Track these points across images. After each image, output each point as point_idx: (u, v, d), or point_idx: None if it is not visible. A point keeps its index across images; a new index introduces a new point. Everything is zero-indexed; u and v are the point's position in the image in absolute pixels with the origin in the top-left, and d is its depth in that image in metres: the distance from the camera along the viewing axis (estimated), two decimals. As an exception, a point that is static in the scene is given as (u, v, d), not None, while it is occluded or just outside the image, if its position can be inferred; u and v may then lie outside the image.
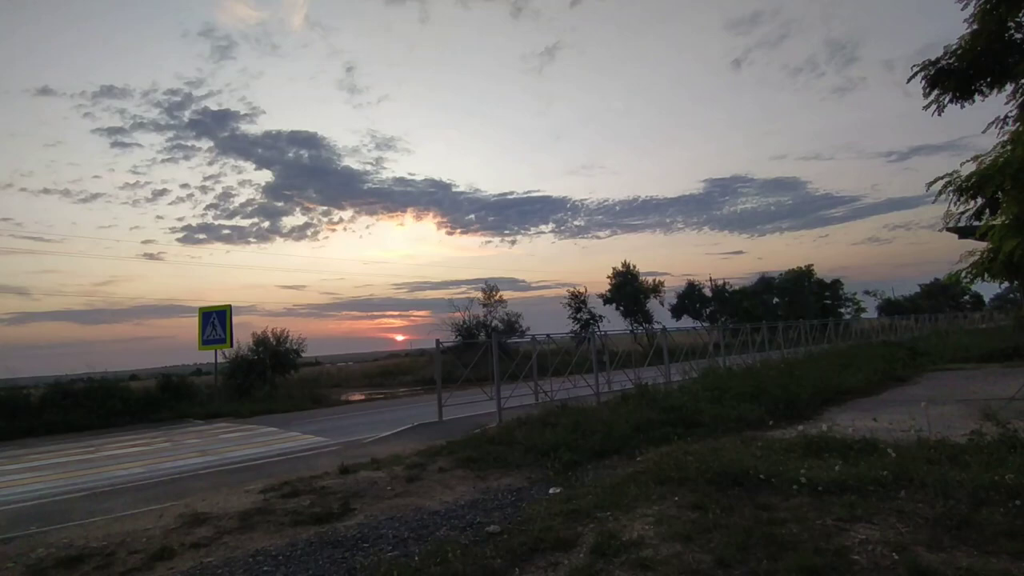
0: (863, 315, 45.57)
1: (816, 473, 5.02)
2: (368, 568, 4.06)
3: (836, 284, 46.30)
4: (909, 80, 6.96)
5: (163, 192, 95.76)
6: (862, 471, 5.01)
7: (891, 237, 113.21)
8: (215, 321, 19.55)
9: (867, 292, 53.78)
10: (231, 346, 20.09)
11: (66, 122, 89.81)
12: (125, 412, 16.91)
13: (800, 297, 42.00)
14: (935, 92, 7.05)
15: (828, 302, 45.04)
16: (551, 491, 5.85)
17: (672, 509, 4.65)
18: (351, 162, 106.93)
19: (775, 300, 43.08)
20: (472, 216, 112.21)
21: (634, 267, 36.62)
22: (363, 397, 21.63)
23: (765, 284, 43.84)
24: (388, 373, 30.41)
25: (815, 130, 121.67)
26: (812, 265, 44.77)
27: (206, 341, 19.67)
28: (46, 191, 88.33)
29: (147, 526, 5.48)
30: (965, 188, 5.62)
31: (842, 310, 45.74)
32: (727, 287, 41.83)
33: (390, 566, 3.92)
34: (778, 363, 15.09)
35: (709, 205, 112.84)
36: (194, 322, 20.09)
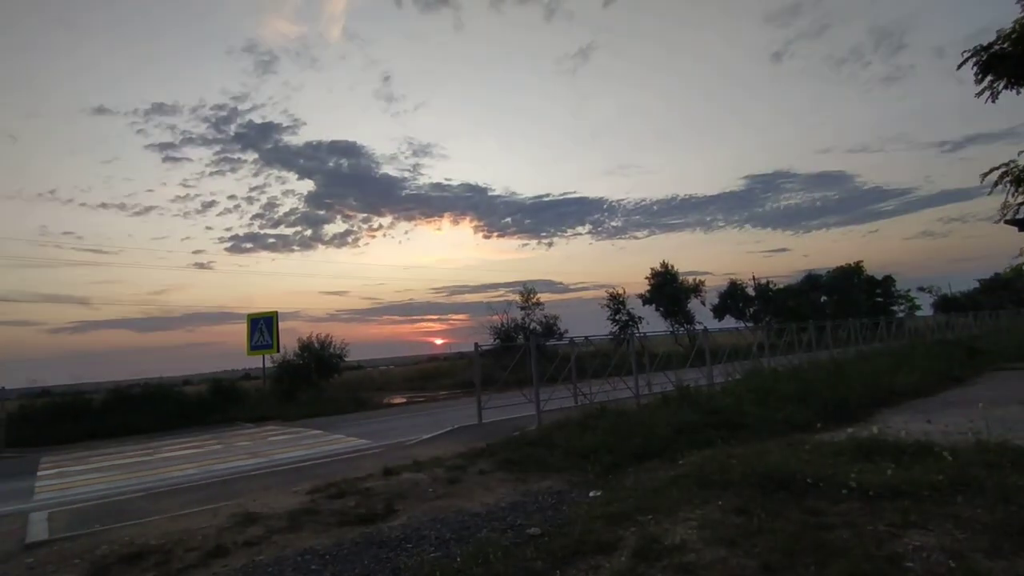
0: (917, 313, 43.68)
1: (867, 477, 4.86)
2: (412, 568, 4.14)
3: (888, 281, 44.45)
4: (960, 66, 6.68)
5: (212, 204, 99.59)
6: (916, 475, 4.83)
7: (946, 231, 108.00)
8: (262, 327, 20.20)
9: (921, 289, 51.49)
10: (278, 351, 20.73)
11: (121, 139, 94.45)
12: (179, 415, 17.65)
13: (849, 295, 40.53)
14: (988, 78, 6.73)
15: (879, 300, 43.29)
16: (591, 494, 5.83)
17: (716, 513, 4.58)
18: (389, 169, 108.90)
19: (823, 298, 41.71)
20: (508, 219, 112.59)
21: (673, 267, 36.04)
22: (404, 400, 21.95)
23: (812, 282, 42.50)
24: (428, 376, 30.77)
25: (862, 122, 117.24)
26: (862, 262, 43.12)
27: (254, 347, 20.34)
28: (103, 205, 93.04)
29: (202, 525, 5.71)
30: (1023, 178, 5.35)
31: (894, 308, 43.87)
32: (771, 286, 40.76)
33: (433, 567, 3.99)
34: (826, 363, 14.61)
35: (751, 202, 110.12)
36: (242, 328, 20.85)
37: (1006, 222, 6.49)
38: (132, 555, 4.97)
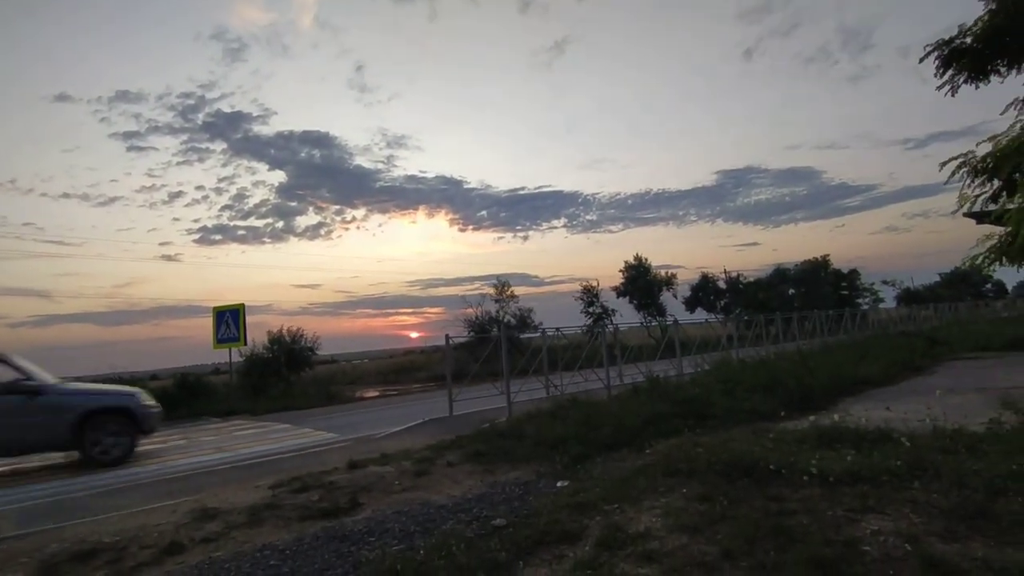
0: (881, 305, 44.85)
1: (828, 464, 4.92)
2: (373, 562, 4.06)
3: (853, 274, 45.51)
4: (922, 60, 6.79)
5: (179, 194, 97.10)
6: (875, 461, 4.91)
7: (910, 226, 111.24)
8: (229, 320, 19.73)
9: (885, 282, 52.84)
10: (245, 344, 20.26)
11: (83, 127, 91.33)
12: (143, 411, 17.13)
13: (816, 288, 41.38)
14: (949, 72, 6.87)
15: (845, 293, 44.29)
16: (559, 484, 5.82)
17: (680, 501, 4.59)
18: (363, 161, 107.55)
19: (791, 291, 42.50)
20: (484, 212, 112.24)
21: (647, 260, 36.39)
22: (377, 394, 21.75)
23: (780, 275, 43.28)
24: (402, 370, 30.56)
25: (830, 119, 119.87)
26: (828, 255, 44.00)
27: (220, 340, 19.87)
28: (66, 195, 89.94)
29: (159, 521, 5.53)
30: (980, 169, 5.46)
31: (860, 300, 44.96)
32: (742, 279, 41.46)
33: (395, 559, 3.92)
34: (792, 354, 14.89)
35: (722, 197, 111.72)
36: (211, 322, 20.33)
37: (964, 214, 6.63)
38: (83, 553, 4.78)
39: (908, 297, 54.94)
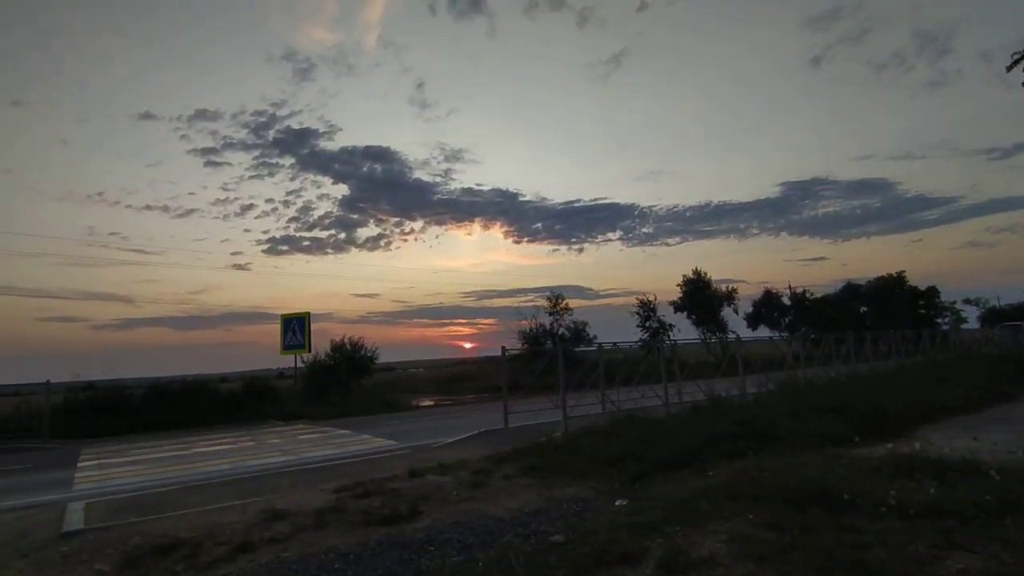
0: (964, 326, 41.92)
1: (907, 495, 4.64)
2: (433, 571, 4.12)
3: (932, 292, 42.73)
4: (1010, 68, 6.38)
5: (250, 207, 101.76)
6: (960, 494, 4.59)
7: (995, 241, 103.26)
8: (295, 327, 20.58)
9: (968, 301, 49.40)
10: (309, 351, 21.07)
11: (165, 144, 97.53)
12: (214, 412, 18.08)
13: (891, 306, 39.13)
14: (1041, 80, 6.41)
15: (923, 311, 41.64)
16: (617, 503, 5.73)
17: (745, 527, 4.44)
18: (421, 174, 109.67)
19: (862, 309, 40.40)
20: (539, 225, 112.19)
21: (706, 274, 35.42)
22: (432, 403, 22.08)
23: (851, 292, 41.23)
24: (456, 379, 30.87)
25: (905, 128, 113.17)
26: (904, 272, 41.62)
27: (287, 346, 20.73)
28: (148, 207, 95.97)
29: (231, 520, 5.80)
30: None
31: (939, 320, 42.21)
32: (808, 295, 39.70)
33: (454, 570, 3.97)
34: (865, 376, 14.14)
35: (787, 209, 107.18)
36: (277, 328, 21.29)
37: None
38: (164, 547, 5.07)
39: (993, 317, 51.11)
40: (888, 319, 35.69)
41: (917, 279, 42.86)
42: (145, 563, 4.79)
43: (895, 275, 41.46)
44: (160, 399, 18.21)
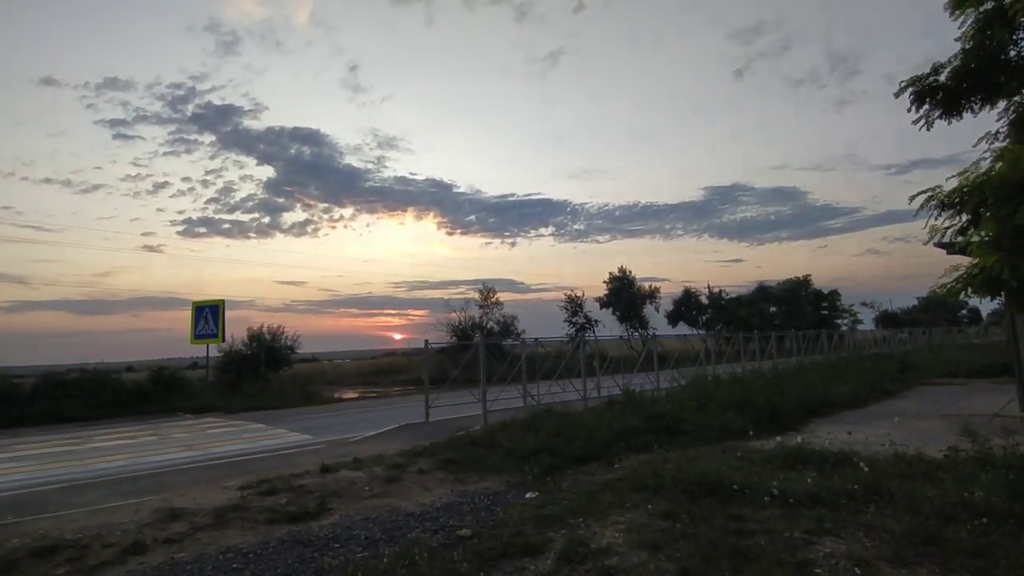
0: (860, 327, 45.53)
1: (789, 485, 5.04)
2: (336, 569, 4.08)
3: (834, 295, 46.21)
4: (898, 95, 6.97)
5: (164, 185, 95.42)
6: (834, 484, 5.04)
7: (890, 250, 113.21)
8: (208, 315, 19.55)
9: (864, 304, 53.68)
10: (223, 341, 20.07)
11: (69, 113, 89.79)
12: (116, 404, 16.86)
13: (797, 307, 41.94)
14: (924, 107, 7.06)
15: (825, 313, 44.96)
16: (528, 496, 5.87)
17: (644, 517, 4.67)
18: (353, 160, 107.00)
19: (772, 309, 43.02)
20: (472, 217, 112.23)
21: (631, 272, 36.59)
22: (355, 395, 21.62)
23: (762, 293, 43.80)
24: (382, 372, 30.43)
25: (816, 141, 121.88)
26: (810, 275, 44.72)
27: (198, 335, 19.66)
28: (47, 181, 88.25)
29: (123, 520, 5.49)
30: (948, 203, 5.62)
31: (839, 321, 45.66)
32: (724, 295, 41.84)
33: (357, 567, 3.94)
34: (767, 373, 15.10)
35: (709, 212, 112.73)
36: (190, 315, 20.08)
37: (935, 245, 6.77)
38: (45, 549, 4.74)
39: (886, 320, 55.88)
40: (794, 319, 38.27)
41: (822, 282, 46.33)
42: (23, 567, 4.47)
43: (802, 278, 44.48)
44: (55, 389, 16.82)
